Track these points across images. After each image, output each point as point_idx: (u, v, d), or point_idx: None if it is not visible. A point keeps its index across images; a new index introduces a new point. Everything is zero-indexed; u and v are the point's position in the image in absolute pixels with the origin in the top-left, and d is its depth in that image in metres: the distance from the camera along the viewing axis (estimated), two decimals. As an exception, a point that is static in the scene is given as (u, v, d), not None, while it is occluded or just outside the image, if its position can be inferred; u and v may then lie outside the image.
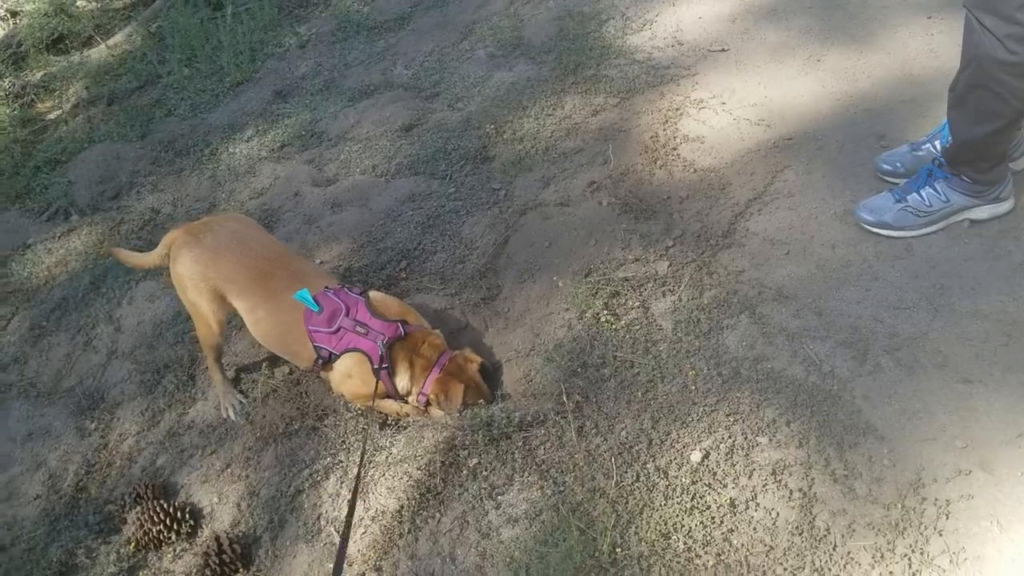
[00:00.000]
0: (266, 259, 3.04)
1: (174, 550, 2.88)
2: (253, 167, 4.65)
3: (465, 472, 2.67)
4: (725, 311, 2.90)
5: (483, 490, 2.61)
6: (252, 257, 3.03)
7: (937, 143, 3.13)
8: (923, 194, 2.94)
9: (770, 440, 2.49)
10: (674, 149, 3.71)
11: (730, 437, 2.52)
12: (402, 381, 2.89)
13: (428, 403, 2.88)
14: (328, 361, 2.91)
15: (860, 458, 2.39)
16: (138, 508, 2.94)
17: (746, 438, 2.51)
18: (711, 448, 2.51)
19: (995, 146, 2.77)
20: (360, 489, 2.77)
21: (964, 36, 2.60)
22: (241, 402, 3.27)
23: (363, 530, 2.67)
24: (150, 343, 3.72)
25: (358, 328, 2.87)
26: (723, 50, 4.27)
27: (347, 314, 2.89)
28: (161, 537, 2.88)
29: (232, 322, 3.36)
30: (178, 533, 2.88)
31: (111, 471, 3.26)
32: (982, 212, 2.93)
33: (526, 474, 2.62)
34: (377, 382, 2.84)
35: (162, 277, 3.83)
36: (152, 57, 6.03)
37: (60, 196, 4.85)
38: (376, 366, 2.84)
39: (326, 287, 2.97)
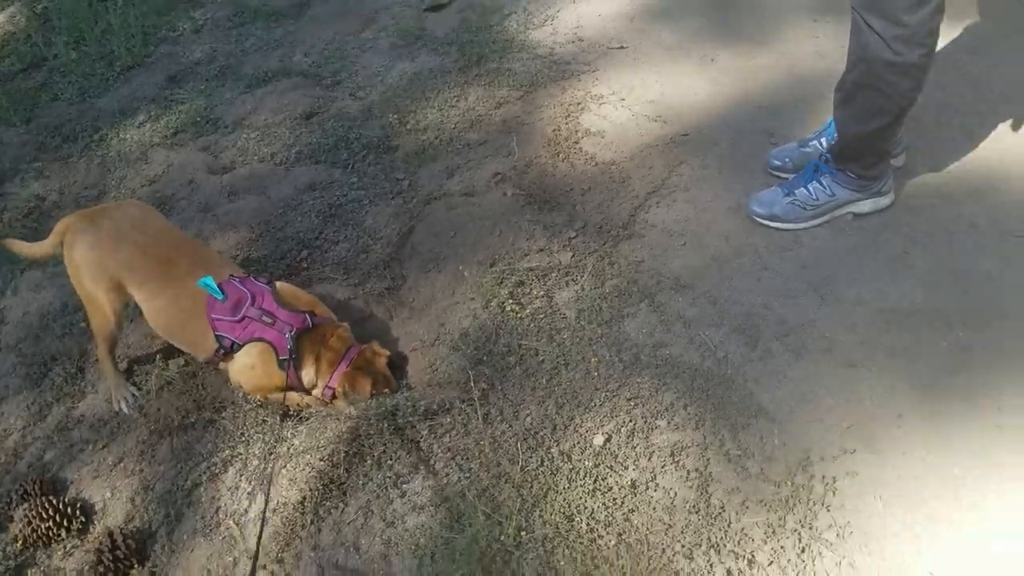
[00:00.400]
0: (167, 246, 2.95)
1: (64, 547, 2.76)
2: (145, 154, 4.49)
3: (369, 462, 2.66)
4: (626, 300, 2.98)
5: (388, 479, 2.60)
6: (152, 244, 2.93)
7: (823, 140, 3.29)
8: (810, 188, 3.08)
9: (668, 423, 2.57)
10: (576, 143, 3.78)
11: (631, 421, 2.59)
12: (308, 374, 2.85)
13: (334, 396, 2.86)
14: (230, 351, 2.85)
15: (752, 439, 2.50)
16: (25, 505, 2.80)
17: (646, 421, 2.58)
18: (613, 432, 2.57)
19: (880, 143, 2.93)
20: (270, 480, 2.72)
21: (851, 37, 2.74)
22: (134, 395, 3.16)
23: (264, 520, 2.63)
24: (36, 335, 3.55)
25: (264, 318, 2.82)
26: (622, 47, 4.37)
27: (253, 303, 2.83)
28: (50, 534, 2.75)
29: (125, 313, 3.24)
30: (68, 530, 2.76)
31: (-7, 469, 3.10)
32: (865, 206, 3.10)
33: (432, 462, 2.63)
34: (285, 373, 2.79)
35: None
36: (37, 39, 5.73)
37: (-69, 181, 4.57)
38: (283, 357, 2.79)
39: (231, 275, 2.90)
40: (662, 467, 2.47)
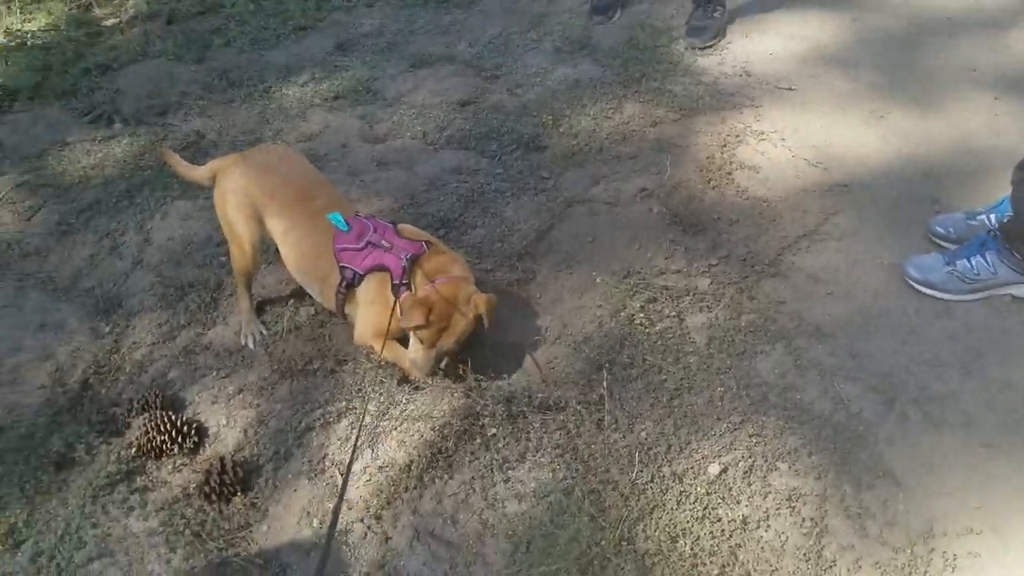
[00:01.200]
0: (307, 183, 3.08)
1: (174, 462, 2.86)
2: (304, 112, 4.65)
3: (479, 441, 2.67)
4: (761, 337, 2.91)
5: (495, 461, 2.61)
6: (294, 178, 3.06)
7: (993, 216, 3.16)
8: (973, 262, 2.96)
9: (790, 467, 2.50)
10: (729, 173, 3.73)
11: (750, 457, 2.53)
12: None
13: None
14: (352, 284, 2.90)
15: (875, 500, 2.41)
16: (145, 415, 2.92)
17: (766, 461, 2.52)
18: (730, 464, 2.52)
19: None
20: (365, 437, 2.77)
21: None
22: (262, 332, 3.26)
23: (368, 477, 2.67)
24: (178, 260, 3.70)
25: (383, 243, 2.87)
26: (790, 88, 4.30)
27: (375, 232, 2.91)
28: (163, 447, 2.86)
29: (263, 255, 3.34)
30: (181, 447, 2.86)
31: (120, 375, 3.23)
32: (1026, 290, 2.97)
33: (540, 455, 2.63)
34: (395, 303, 2.79)
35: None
36: (217, -15, 6.01)
37: (106, 101, 4.83)
38: (396, 282, 2.81)
39: (357, 213, 3.01)
40: (776, 509, 2.40)
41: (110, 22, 5.81)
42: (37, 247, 3.93)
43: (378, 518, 2.55)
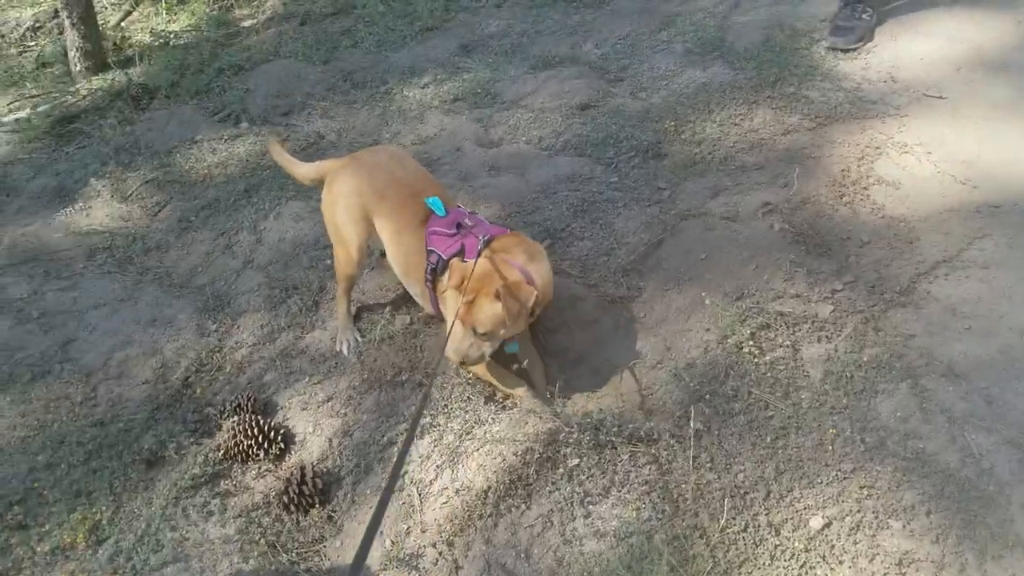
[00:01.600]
0: (419, 182, 3.01)
1: (259, 467, 2.86)
2: (423, 114, 4.61)
3: (561, 470, 2.51)
4: (884, 374, 2.61)
5: (576, 494, 2.44)
6: (406, 178, 3.01)
7: None
8: None
9: (904, 527, 2.21)
10: (865, 189, 3.40)
11: (859, 512, 2.25)
12: None
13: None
14: (436, 270, 2.80)
15: (1001, 572, 2.09)
16: (235, 418, 2.93)
17: (877, 517, 2.24)
18: (835, 518, 2.25)
19: None
20: (445, 455, 2.66)
21: None
22: (357, 340, 3.21)
23: (444, 500, 2.56)
24: (286, 261, 3.73)
25: (467, 221, 2.81)
26: (940, 97, 3.89)
27: (467, 218, 2.86)
28: (250, 452, 2.86)
29: (368, 253, 3.29)
30: (267, 452, 2.85)
31: (219, 375, 3.27)
32: None
33: (625, 490, 2.44)
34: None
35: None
36: (352, -14, 6.09)
37: (236, 101, 4.96)
38: (475, 258, 2.68)
39: (459, 205, 2.97)
40: (884, 574, 2.12)
41: (248, 23, 5.99)
42: (159, 243, 4.05)
43: (450, 544, 2.44)
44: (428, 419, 2.80)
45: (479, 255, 2.67)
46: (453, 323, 2.60)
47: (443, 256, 2.77)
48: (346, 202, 3.02)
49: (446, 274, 2.72)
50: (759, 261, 3.10)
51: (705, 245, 3.23)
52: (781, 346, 2.77)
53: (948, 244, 3.06)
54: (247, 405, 2.99)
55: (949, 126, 3.69)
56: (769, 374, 2.69)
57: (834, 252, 3.11)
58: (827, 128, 3.83)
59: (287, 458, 2.89)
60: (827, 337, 2.78)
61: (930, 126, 3.71)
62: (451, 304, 2.74)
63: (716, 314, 2.93)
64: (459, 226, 2.81)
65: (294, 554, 2.56)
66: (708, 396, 2.65)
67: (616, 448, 2.54)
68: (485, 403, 2.82)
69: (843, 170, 3.52)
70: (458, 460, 2.65)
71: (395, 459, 2.27)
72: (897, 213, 3.26)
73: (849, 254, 3.09)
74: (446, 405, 2.85)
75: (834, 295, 2.92)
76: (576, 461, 2.51)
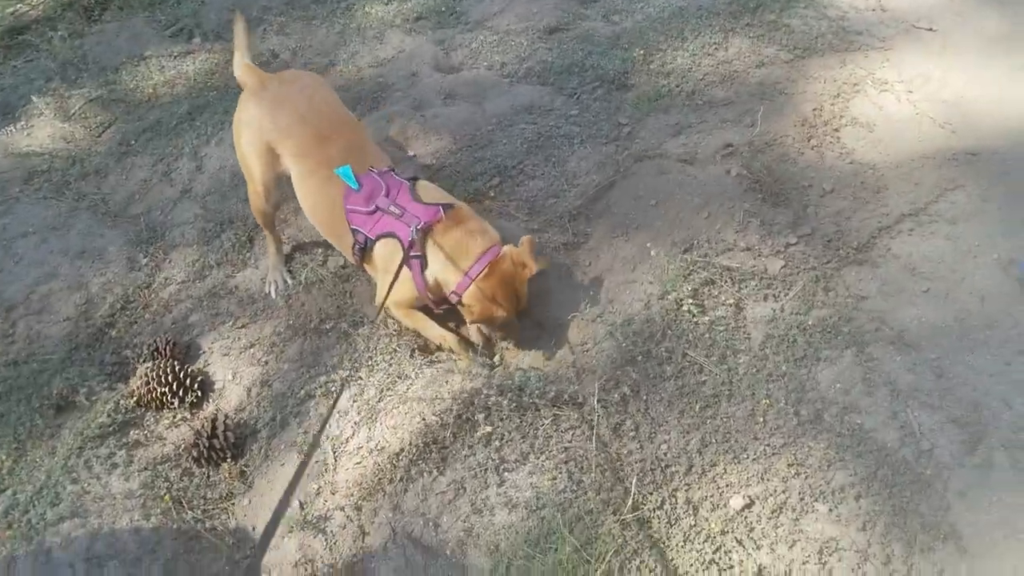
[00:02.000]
0: (329, 122, 2.75)
1: (173, 416, 2.73)
2: (383, 33, 4.33)
3: (479, 434, 2.37)
4: (829, 340, 2.44)
5: (492, 460, 2.31)
6: (315, 116, 2.73)
7: None
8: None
9: (830, 511, 2.07)
10: (836, 130, 3.17)
11: (784, 492, 2.12)
12: (435, 272, 2.56)
13: (461, 304, 2.57)
14: (365, 248, 2.63)
15: (929, 567, 1.96)
16: (151, 363, 2.79)
17: (802, 499, 2.10)
18: (758, 498, 2.11)
19: None
20: (364, 413, 2.52)
21: None
22: (286, 281, 3.05)
23: (359, 460, 2.43)
24: (224, 192, 3.53)
25: (392, 208, 2.57)
26: (930, 29, 3.61)
27: (387, 195, 2.60)
28: (164, 400, 2.72)
29: (278, 188, 3.08)
30: (182, 400, 2.72)
31: (144, 314, 3.12)
32: None
33: (543, 457, 2.30)
34: (399, 271, 2.51)
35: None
36: None
37: (189, 14, 4.68)
38: (407, 250, 2.51)
39: (371, 167, 2.67)
40: (803, 563, 1.99)
41: (207, -70, 5.62)
42: (98, 167, 3.85)
43: (357, 508, 2.32)
44: (349, 371, 2.66)
45: (416, 246, 2.52)
46: (397, 275, 2.46)
47: (370, 236, 2.59)
48: (249, 134, 2.80)
49: (379, 250, 2.61)
50: (712, 209, 2.90)
51: (657, 190, 3.02)
52: (724, 304, 2.60)
53: (917, 195, 2.85)
54: (165, 349, 2.85)
55: (935, 62, 3.43)
56: (707, 335, 2.52)
57: (792, 201, 2.90)
58: (805, 61, 3.57)
59: (204, 406, 2.76)
60: (774, 296, 2.60)
61: (915, 61, 3.45)
62: (379, 258, 2.61)
63: (660, 266, 2.75)
64: (377, 208, 2.60)
65: (199, 511, 2.45)
66: (640, 357, 2.48)
67: (540, 410, 2.40)
68: (411, 356, 2.67)
69: (815, 109, 3.28)
70: (376, 418, 2.51)
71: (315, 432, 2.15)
72: (867, 159, 3.04)
73: (808, 204, 2.89)
74: (371, 357, 2.70)
75: (787, 249, 2.73)
76: (496, 424, 2.37)
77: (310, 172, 2.71)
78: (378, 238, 2.60)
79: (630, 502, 2.11)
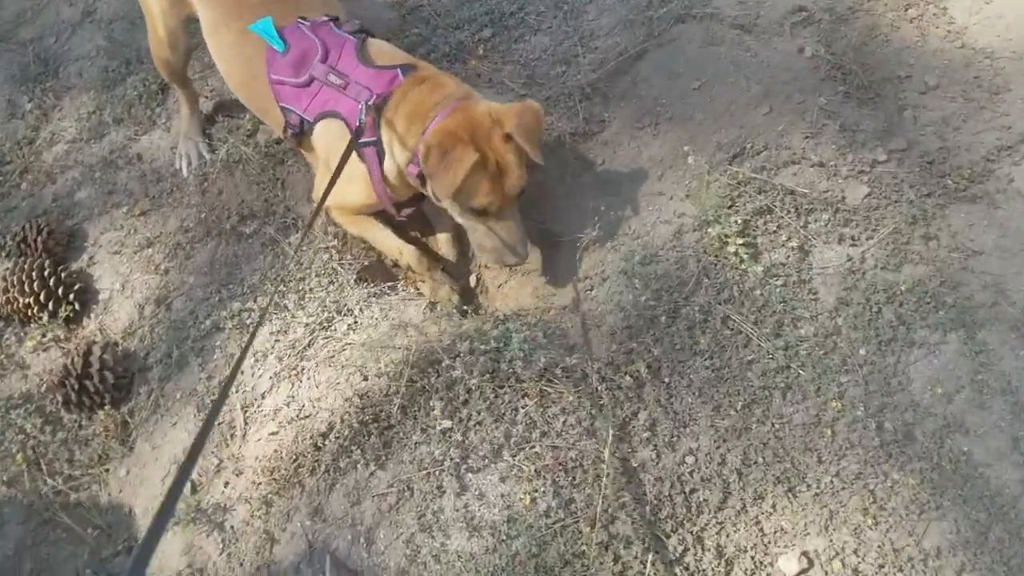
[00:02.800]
0: None
1: (42, 335, 2.08)
2: None
3: (437, 411, 1.73)
4: (927, 315, 1.76)
5: (451, 455, 1.68)
6: None
7: None
8: None
9: (918, 582, 1.48)
10: (943, 2, 2.35)
11: (856, 552, 1.51)
12: (395, 155, 1.85)
13: (422, 179, 1.82)
14: (301, 132, 1.91)
15: None
16: (15, 261, 2.11)
17: (882, 567, 1.50)
18: (818, 558, 1.51)
19: None
20: (290, 361, 1.88)
21: None
22: (202, 155, 2.32)
23: (274, 430, 1.81)
24: (134, 19, 2.73)
25: (332, 78, 1.83)
26: None
27: (324, 59, 1.84)
28: (30, 313, 2.07)
29: (186, 35, 2.29)
30: (53, 315, 2.06)
31: (21, 182, 2.42)
32: None
33: (520, 456, 1.67)
34: (345, 160, 1.73)
35: None
36: None
37: None
38: (353, 137, 1.77)
39: (301, 17, 1.89)
40: (876, 662, 1.42)
41: None
42: (-22, -29, 2.99)
43: (267, 505, 1.72)
44: (272, 297, 1.97)
45: (373, 128, 1.80)
46: (340, 169, 1.70)
47: (306, 118, 1.87)
48: None
49: (320, 134, 1.90)
50: (775, 102, 2.13)
51: (702, 68, 2.23)
52: (783, 245, 1.90)
53: (1053, 104, 2.09)
54: (36, 242, 2.16)
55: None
56: (759, 291, 1.84)
57: (884, 99, 2.14)
58: None
59: (82, 324, 2.10)
60: (852, 239, 1.90)
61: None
62: (320, 147, 1.90)
63: (699, 179, 2.03)
64: (312, 78, 1.84)
65: (62, 479, 1.84)
66: (664, 318, 1.81)
67: (524, 382, 1.75)
68: (355, 282, 1.99)
69: (921, -34, 2.44)
70: (303, 371, 1.87)
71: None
72: (983, 43, 2.26)
73: (905, 104, 2.13)
74: (302, 279, 2.02)
75: (873, 169, 2.00)
76: (462, 397, 1.73)
77: (221, 21, 1.94)
78: (317, 119, 1.85)
79: (641, 545, 1.50)
